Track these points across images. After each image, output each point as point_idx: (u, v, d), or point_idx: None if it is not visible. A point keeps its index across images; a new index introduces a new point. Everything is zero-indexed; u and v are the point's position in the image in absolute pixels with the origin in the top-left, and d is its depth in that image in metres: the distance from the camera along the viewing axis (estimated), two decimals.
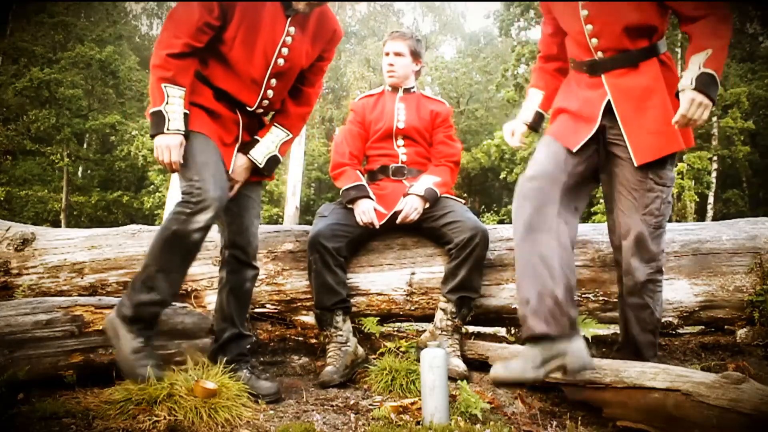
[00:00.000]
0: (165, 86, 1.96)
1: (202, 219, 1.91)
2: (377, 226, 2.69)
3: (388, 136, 2.91)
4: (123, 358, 1.87)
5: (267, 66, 2.15)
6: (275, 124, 2.33)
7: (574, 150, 2.09)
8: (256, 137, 2.29)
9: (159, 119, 1.96)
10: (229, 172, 2.12)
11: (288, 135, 2.33)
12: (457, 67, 25.93)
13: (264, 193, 19.24)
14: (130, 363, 1.85)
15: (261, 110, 2.25)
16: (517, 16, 21.21)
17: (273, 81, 2.19)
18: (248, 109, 2.21)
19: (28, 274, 2.75)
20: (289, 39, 2.15)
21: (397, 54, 2.92)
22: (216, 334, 2.32)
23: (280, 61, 2.16)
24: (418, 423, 1.92)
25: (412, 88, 3.00)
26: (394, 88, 2.99)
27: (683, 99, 1.86)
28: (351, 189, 2.73)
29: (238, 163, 2.22)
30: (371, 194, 2.74)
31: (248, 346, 2.37)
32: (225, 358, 2.20)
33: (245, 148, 2.25)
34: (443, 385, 1.90)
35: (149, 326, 1.96)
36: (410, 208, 2.68)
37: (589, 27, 2.06)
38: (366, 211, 2.68)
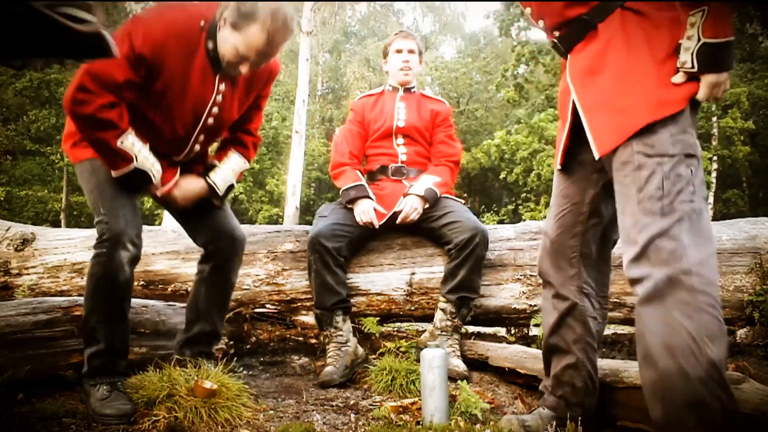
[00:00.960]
0: (120, 142, 1.81)
1: (123, 258, 1.82)
2: (377, 226, 2.69)
3: (387, 135, 2.91)
4: (91, 411, 1.82)
5: (196, 126, 2.01)
6: (233, 149, 2.20)
7: (559, 167, 1.80)
8: (214, 161, 2.17)
9: (141, 176, 1.88)
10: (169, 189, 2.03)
11: (245, 164, 2.22)
12: (457, 67, 25.89)
13: (264, 193, 19.09)
14: (97, 411, 1.80)
15: (189, 159, 2.11)
16: (517, 16, 21.17)
17: (201, 137, 2.06)
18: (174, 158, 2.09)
19: (28, 274, 2.75)
20: (219, 97, 1.99)
21: (411, 51, 2.95)
22: (185, 325, 2.23)
23: (210, 120, 2.02)
24: (418, 423, 1.92)
25: (413, 87, 3.00)
26: (395, 88, 3.00)
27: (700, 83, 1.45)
28: (350, 189, 2.73)
29: (191, 186, 2.09)
30: (371, 194, 2.74)
31: (216, 347, 2.29)
32: (189, 352, 2.17)
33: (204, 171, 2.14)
34: (443, 385, 1.90)
35: (112, 373, 1.88)
36: (410, 208, 2.68)
37: (528, 10, 1.75)
38: (365, 211, 2.67)
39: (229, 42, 1.83)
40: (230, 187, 2.18)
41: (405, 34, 3.01)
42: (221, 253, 2.17)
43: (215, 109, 2.00)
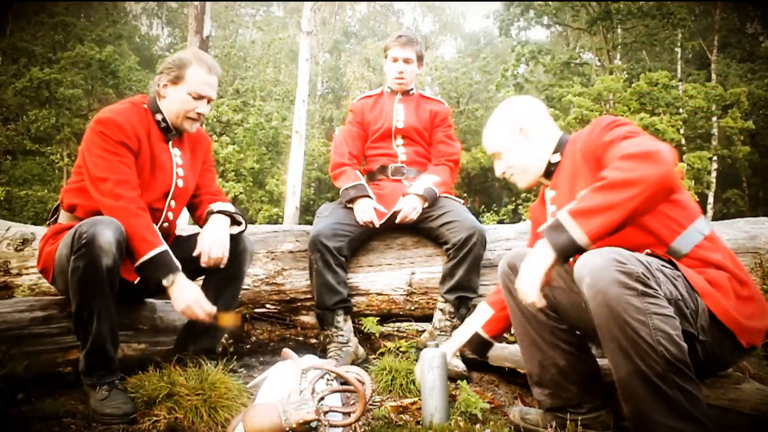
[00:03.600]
0: (148, 257, 1.91)
1: (103, 243, 1.80)
2: (377, 225, 2.69)
3: (387, 136, 2.91)
4: (91, 411, 1.83)
5: (168, 190, 2.17)
6: (212, 205, 2.26)
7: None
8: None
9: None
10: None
11: (230, 206, 2.28)
12: (457, 67, 25.89)
13: (264, 192, 19.04)
14: (97, 411, 1.80)
15: (162, 231, 2.13)
16: (517, 16, 21.19)
17: (173, 203, 2.21)
18: None
19: (28, 274, 2.75)
20: (179, 160, 2.22)
21: (407, 61, 2.91)
22: (189, 323, 2.23)
23: (180, 182, 2.21)
24: (418, 423, 1.92)
25: (412, 90, 3.00)
26: (394, 91, 2.99)
27: None
28: (350, 188, 2.73)
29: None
30: (371, 193, 2.74)
31: (220, 341, 2.30)
32: (192, 348, 2.17)
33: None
34: (443, 385, 1.90)
35: (109, 372, 1.88)
36: (409, 207, 2.68)
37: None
38: (366, 210, 2.67)
39: (180, 95, 2.12)
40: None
41: (404, 40, 2.90)
42: (231, 253, 2.17)
43: (180, 171, 2.22)
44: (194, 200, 2.33)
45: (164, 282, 1.93)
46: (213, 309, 2.00)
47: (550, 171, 1.86)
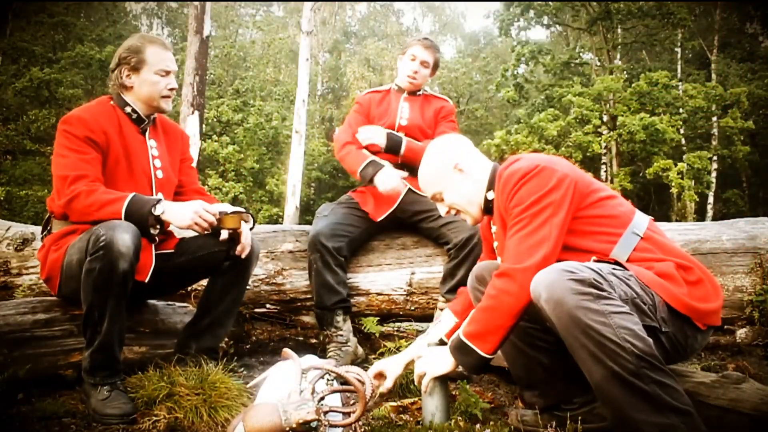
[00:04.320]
0: (125, 208, 1.90)
1: (121, 247, 1.79)
2: (402, 193, 2.69)
3: None
4: (92, 411, 1.83)
5: (150, 183, 2.17)
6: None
7: None
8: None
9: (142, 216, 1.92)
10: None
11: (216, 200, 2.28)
12: (457, 67, 25.91)
13: (264, 192, 19.05)
14: (97, 411, 1.81)
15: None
16: (517, 16, 21.17)
17: (160, 195, 2.17)
18: None
19: (28, 274, 2.75)
20: (155, 151, 2.22)
21: (424, 63, 2.92)
22: (194, 318, 2.24)
23: (159, 173, 2.21)
24: (418, 423, 1.92)
25: (419, 91, 3.00)
26: (401, 89, 2.99)
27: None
28: (367, 167, 2.72)
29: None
30: (387, 163, 2.74)
31: (223, 339, 2.30)
32: (195, 346, 2.17)
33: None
34: (443, 385, 1.90)
35: (113, 373, 1.88)
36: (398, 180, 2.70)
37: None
38: (390, 175, 2.66)
39: (148, 78, 2.12)
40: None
41: (428, 43, 2.93)
42: (238, 255, 2.17)
43: (158, 162, 2.22)
44: (179, 197, 2.31)
45: (156, 212, 1.92)
46: (216, 210, 2.01)
47: (489, 207, 1.86)
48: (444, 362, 1.74)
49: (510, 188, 1.68)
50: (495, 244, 1.93)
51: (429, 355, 1.80)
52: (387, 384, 1.93)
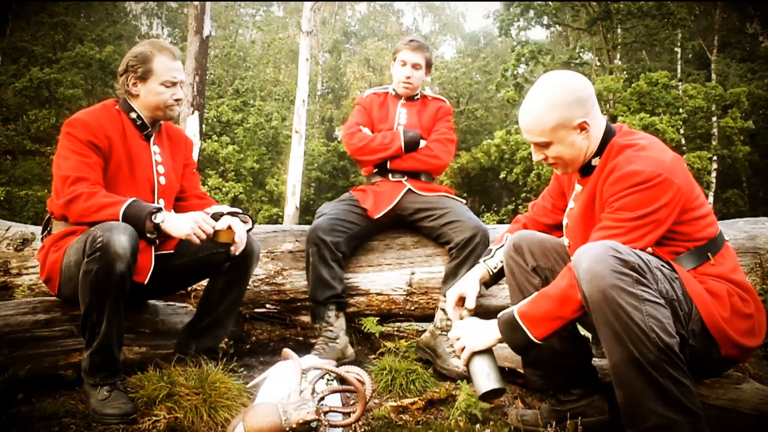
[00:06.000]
0: (123, 211, 1.90)
1: (118, 248, 1.79)
2: (401, 193, 2.76)
3: None
4: (92, 411, 1.83)
5: (152, 190, 2.18)
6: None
7: None
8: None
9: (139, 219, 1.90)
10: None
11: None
12: (457, 67, 25.92)
13: (264, 192, 19.04)
14: (97, 411, 1.81)
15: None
16: (517, 16, 21.19)
17: (161, 201, 2.20)
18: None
19: (28, 274, 2.75)
20: (158, 157, 2.23)
21: (415, 66, 2.90)
22: (195, 318, 2.24)
23: (162, 179, 2.21)
24: (418, 423, 1.92)
25: (416, 95, 3.00)
26: (398, 94, 2.99)
27: None
28: (406, 133, 2.83)
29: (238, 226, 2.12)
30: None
31: (223, 340, 2.30)
32: (195, 346, 2.17)
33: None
34: (488, 353, 1.73)
35: (112, 373, 1.88)
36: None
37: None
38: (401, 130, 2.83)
39: (154, 89, 2.12)
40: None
41: (415, 45, 2.90)
42: (241, 254, 2.15)
43: (161, 168, 2.22)
44: (180, 202, 2.33)
45: (156, 220, 1.91)
46: (214, 224, 2.01)
47: (587, 170, 1.74)
48: (487, 336, 1.66)
49: (622, 188, 1.56)
50: (565, 221, 1.86)
51: (470, 328, 1.71)
52: (469, 303, 1.88)
